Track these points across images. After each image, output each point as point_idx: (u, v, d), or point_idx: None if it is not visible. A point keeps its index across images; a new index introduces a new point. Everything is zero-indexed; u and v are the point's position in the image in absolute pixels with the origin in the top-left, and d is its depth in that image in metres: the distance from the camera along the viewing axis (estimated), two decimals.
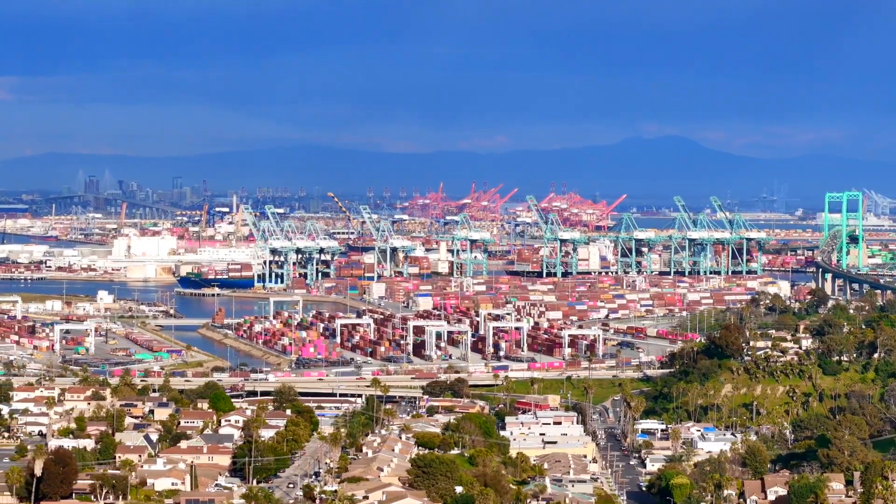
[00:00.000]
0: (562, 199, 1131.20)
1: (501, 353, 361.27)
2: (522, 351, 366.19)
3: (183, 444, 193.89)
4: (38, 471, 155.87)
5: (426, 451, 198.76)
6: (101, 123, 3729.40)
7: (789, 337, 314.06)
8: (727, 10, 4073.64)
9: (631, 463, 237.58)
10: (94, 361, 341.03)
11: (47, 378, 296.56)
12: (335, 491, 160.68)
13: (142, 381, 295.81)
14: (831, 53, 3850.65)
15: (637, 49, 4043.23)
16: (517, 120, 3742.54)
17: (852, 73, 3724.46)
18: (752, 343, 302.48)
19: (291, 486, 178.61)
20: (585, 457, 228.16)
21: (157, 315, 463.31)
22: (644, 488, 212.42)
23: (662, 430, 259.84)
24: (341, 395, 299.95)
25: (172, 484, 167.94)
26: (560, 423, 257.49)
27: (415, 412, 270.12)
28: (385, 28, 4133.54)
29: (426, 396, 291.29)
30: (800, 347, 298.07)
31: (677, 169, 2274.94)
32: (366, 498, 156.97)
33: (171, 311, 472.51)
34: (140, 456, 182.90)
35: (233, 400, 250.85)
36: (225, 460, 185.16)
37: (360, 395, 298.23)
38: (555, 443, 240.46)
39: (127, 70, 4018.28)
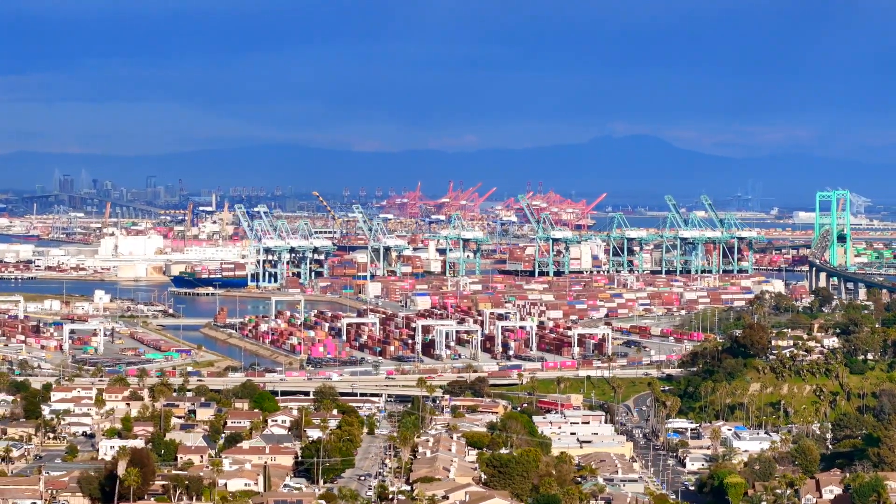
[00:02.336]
0: (541, 199, 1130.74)
1: (511, 353, 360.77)
2: (531, 350, 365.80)
3: (245, 444, 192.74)
4: (121, 471, 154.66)
5: (478, 451, 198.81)
6: (72, 122, 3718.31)
7: (805, 336, 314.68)
8: (696, 9, 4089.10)
9: (669, 462, 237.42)
10: (106, 361, 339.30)
11: (66, 378, 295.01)
12: (411, 490, 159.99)
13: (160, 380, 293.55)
14: (800, 53, 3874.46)
15: (606, 48, 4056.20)
16: (486, 119, 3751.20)
17: (821, 72, 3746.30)
18: (772, 342, 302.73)
19: (362, 479, 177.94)
20: (623, 456, 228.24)
21: (156, 315, 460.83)
22: (692, 487, 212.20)
23: (692, 430, 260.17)
24: (361, 394, 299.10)
25: (245, 485, 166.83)
26: (588, 423, 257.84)
27: (438, 412, 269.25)
28: (355, 28, 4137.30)
29: (447, 396, 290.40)
30: (823, 346, 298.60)
31: (648, 168, 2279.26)
32: (445, 498, 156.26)
33: (170, 311, 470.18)
34: (202, 457, 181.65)
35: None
36: (287, 460, 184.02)
37: (379, 395, 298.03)
38: (589, 442, 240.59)
39: (97, 69, 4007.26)
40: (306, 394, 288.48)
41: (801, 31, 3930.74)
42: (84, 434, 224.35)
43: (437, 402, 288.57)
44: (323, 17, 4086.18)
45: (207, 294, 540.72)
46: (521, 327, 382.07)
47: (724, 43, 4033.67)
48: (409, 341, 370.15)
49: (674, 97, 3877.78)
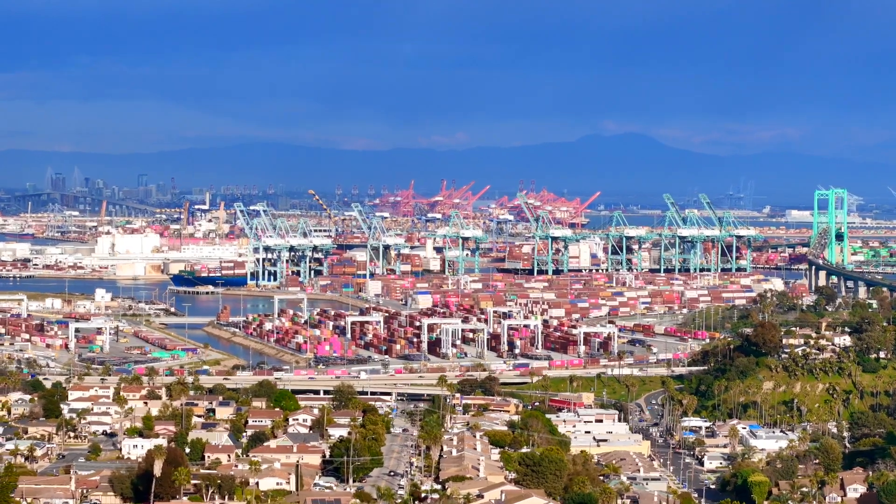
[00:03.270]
0: (534, 197, 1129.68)
1: (517, 351, 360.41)
2: (537, 349, 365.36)
3: (272, 443, 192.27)
4: (157, 471, 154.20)
5: (501, 449, 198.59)
6: (63, 120, 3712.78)
7: (815, 334, 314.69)
8: (686, 9, 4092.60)
9: (687, 461, 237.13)
10: (113, 360, 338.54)
11: (77, 377, 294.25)
12: (443, 489, 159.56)
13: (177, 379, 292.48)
14: (790, 51, 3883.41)
15: (596, 47, 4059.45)
16: (476, 117, 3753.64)
17: (811, 70, 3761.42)
18: (783, 340, 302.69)
19: (392, 476, 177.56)
20: (641, 454, 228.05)
21: (158, 313, 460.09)
22: (713, 486, 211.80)
23: (707, 428, 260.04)
24: (372, 393, 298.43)
25: (277, 483, 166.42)
26: (602, 421, 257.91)
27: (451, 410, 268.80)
28: (345, 26, 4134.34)
29: (459, 395, 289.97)
30: (834, 345, 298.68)
31: (639, 166, 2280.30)
32: (480, 497, 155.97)
33: (172, 309, 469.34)
34: (229, 456, 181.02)
35: None
36: (315, 459, 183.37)
37: (388, 394, 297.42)
38: (605, 440, 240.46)
39: (88, 67, 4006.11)
40: (316, 392, 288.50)
41: (791, 30, 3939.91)
42: (104, 433, 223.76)
43: (449, 400, 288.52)
44: (313, 15, 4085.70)
45: (208, 293, 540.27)
46: (526, 326, 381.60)
47: (713, 42, 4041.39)
48: (415, 340, 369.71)
49: (664, 96, 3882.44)
